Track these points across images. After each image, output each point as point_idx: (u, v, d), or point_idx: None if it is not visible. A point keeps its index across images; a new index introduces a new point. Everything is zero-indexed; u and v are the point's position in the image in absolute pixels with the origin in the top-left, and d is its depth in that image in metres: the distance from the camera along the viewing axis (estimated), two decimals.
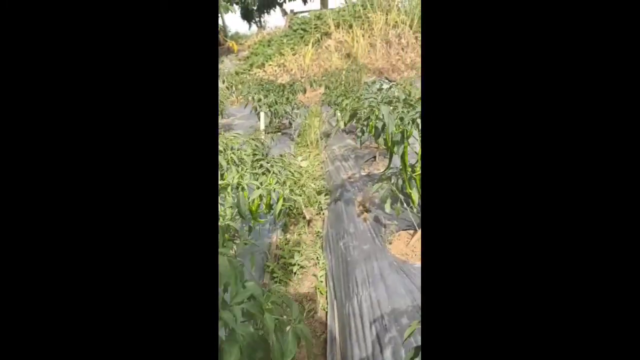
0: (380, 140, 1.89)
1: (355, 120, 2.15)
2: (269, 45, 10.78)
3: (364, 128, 2.02)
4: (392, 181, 2.37)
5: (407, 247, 2.15)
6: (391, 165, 2.34)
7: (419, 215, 2.49)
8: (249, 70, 10.05)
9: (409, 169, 2.12)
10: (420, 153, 1.95)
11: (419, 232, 2.15)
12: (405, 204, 2.66)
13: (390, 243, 2.22)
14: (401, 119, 1.87)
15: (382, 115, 1.70)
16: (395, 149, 1.86)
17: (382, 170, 3.71)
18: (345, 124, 1.94)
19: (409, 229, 2.35)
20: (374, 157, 3.94)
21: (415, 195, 2.31)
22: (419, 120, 1.79)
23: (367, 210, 2.84)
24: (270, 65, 10.19)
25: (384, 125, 1.77)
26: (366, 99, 1.85)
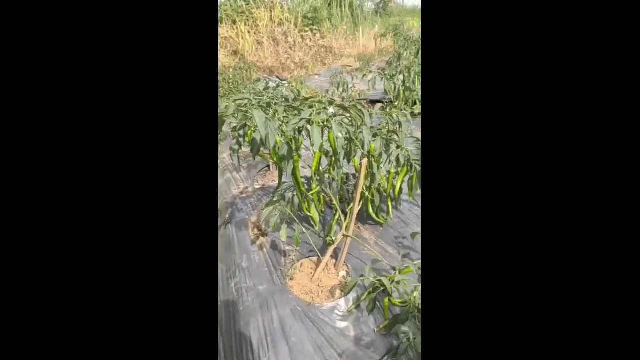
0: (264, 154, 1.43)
1: (231, 129, 1.63)
2: None
3: (241, 139, 1.52)
4: (287, 200, 1.95)
5: (312, 281, 1.75)
6: (284, 181, 1.90)
7: (322, 237, 2.13)
8: None
9: (304, 187, 1.71)
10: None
11: (325, 259, 1.78)
12: (305, 224, 2.27)
13: (291, 279, 1.79)
14: (285, 123, 1.43)
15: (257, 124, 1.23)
16: (284, 164, 1.42)
17: (277, 181, 3.27)
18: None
19: (311, 256, 1.96)
20: (268, 165, 3.47)
21: (316, 215, 1.93)
22: (309, 126, 1.39)
23: (264, 234, 2.37)
24: None
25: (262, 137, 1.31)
26: (234, 100, 1.35)
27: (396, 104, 3.90)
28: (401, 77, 3.91)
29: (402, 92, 4.02)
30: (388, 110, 1.69)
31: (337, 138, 1.18)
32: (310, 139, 1.55)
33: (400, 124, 1.54)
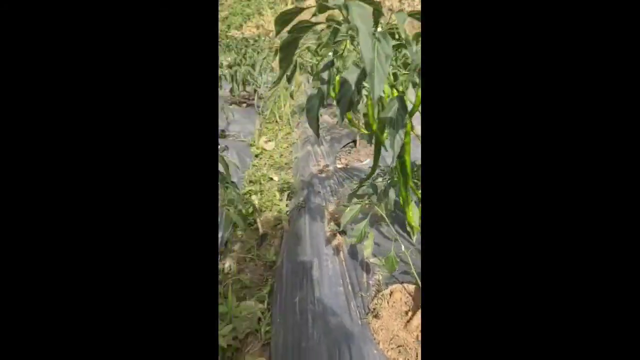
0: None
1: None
2: (247, 5, 9.57)
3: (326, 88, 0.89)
4: (380, 191, 1.29)
5: (407, 328, 1.10)
6: (379, 165, 1.25)
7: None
8: (227, 32, 8.84)
9: (410, 174, 1.03)
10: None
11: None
12: (397, 227, 1.60)
13: (375, 316, 1.17)
14: (403, 65, 0.79)
15: (359, 48, 0.60)
16: (387, 134, 0.77)
17: (364, 162, 2.61)
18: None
19: (407, 280, 1.30)
20: (354, 140, 2.82)
21: (415, 218, 1.23)
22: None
23: (342, 231, 1.77)
24: (248, 27, 8.99)
25: (362, 76, 0.68)
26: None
27: None
28: None
29: None
30: None
31: None
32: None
33: None
